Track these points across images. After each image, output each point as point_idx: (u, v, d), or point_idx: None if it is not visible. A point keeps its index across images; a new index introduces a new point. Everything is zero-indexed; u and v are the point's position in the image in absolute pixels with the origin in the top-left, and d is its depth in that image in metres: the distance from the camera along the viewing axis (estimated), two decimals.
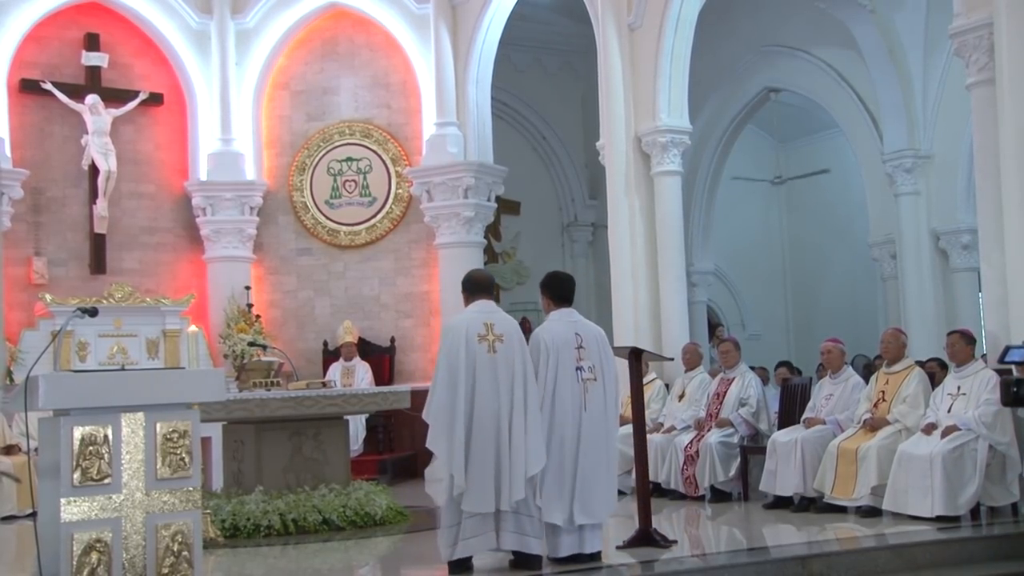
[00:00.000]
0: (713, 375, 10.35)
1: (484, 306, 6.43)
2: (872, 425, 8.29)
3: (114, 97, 13.01)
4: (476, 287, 6.53)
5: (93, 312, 5.61)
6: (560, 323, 6.56)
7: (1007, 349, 7.77)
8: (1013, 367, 7.85)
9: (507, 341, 6.25)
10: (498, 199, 14.05)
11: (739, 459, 9.34)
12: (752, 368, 10.48)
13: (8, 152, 12.26)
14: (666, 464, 9.64)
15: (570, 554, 6.34)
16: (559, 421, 6.29)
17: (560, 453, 6.26)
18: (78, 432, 4.89)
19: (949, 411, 7.93)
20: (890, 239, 14.68)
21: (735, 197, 18.10)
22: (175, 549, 5.03)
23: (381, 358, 13.29)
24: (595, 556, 6.40)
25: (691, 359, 10.41)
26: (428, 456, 13.04)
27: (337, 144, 13.72)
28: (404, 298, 13.59)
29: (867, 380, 8.87)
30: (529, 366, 6.24)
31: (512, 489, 6.04)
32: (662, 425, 10.06)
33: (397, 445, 13.15)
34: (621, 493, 9.60)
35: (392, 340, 13.45)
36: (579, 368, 6.40)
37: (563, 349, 6.42)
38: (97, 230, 12.83)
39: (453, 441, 6.05)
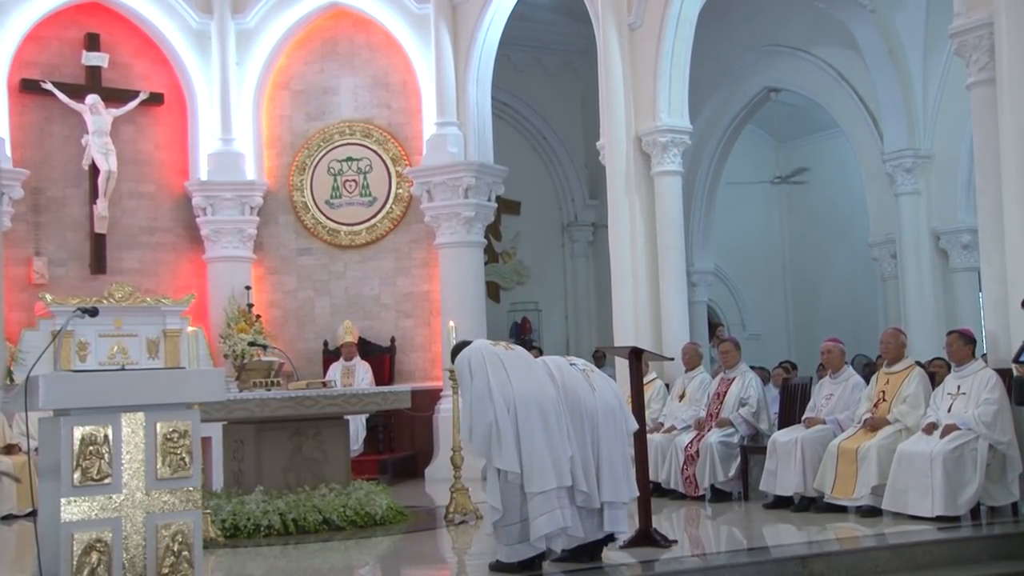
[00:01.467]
0: (714, 375, 10.35)
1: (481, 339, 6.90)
2: (872, 425, 8.29)
3: (114, 97, 13.00)
4: (463, 343, 6.75)
5: (93, 312, 5.61)
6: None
7: (1023, 348, 7.76)
8: (1015, 367, 7.85)
9: (518, 348, 6.64)
10: (498, 199, 14.05)
11: (739, 459, 9.35)
12: (753, 368, 10.48)
13: (8, 152, 12.26)
14: (666, 464, 9.64)
15: (604, 535, 6.42)
16: (574, 405, 6.43)
17: (582, 435, 6.38)
18: (78, 432, 4.89)
19: (949, 411, 7.93)
20: (890, 239, 14.68)
21: (735, 197, 18.10)
22: (175, 549, 5.03)
23: (381, 358, 13.29)
24: (611, 538, 6.49)
25: (691, 359, 10.40)
26: (428, 456, 13.06)
27: (337, 144, 13.72)
28: (404, 298, 13.59)
29: (867, 380, 8.87)
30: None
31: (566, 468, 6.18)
32: (662, 425, 10.07)
33: (397, 445, 13.15)
34: None
35: (392, 340, 13.45)
36: (573, 364, 6.69)
37: (549, 356, 6.82)
38: (97, 230, 12.83)
39: (504, 446, 6.12)
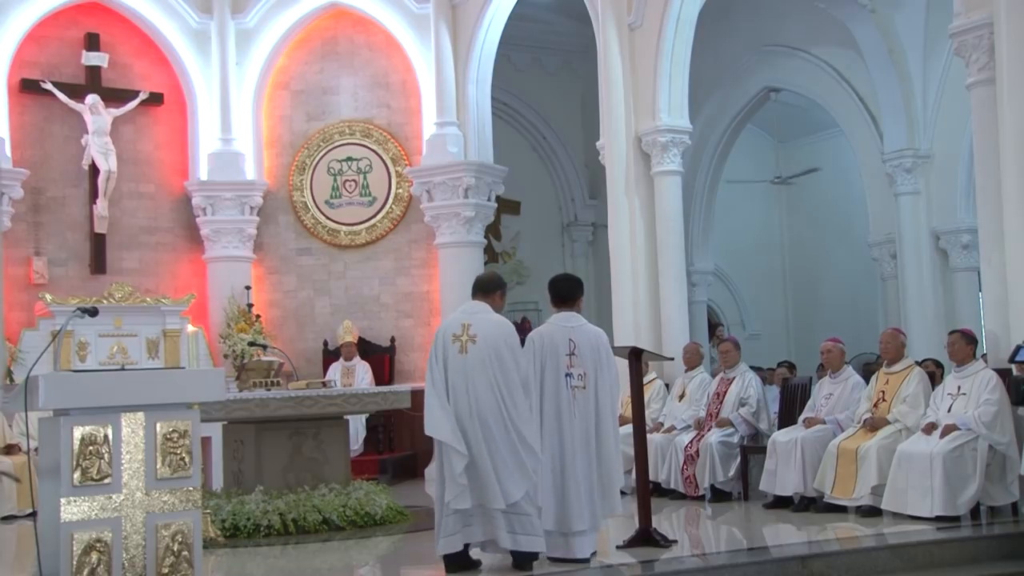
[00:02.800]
0: (713, 375, 10.35)
1: (469, 307, 6.53)
2: (872, 425, 8.29)
3: (114, 97, 13.01)
4: (473, 288, 6.65)
5: (93, 312, 5.61)
6: (554, 326, 6.64)
7: (1018, 348, 7.77)
8: (1014, 366, 7.86)
9: (480, 341, 6.25)
10: (498, 199, 14.05)
11: (739, 459, 9.35)
12: (756, 369, 10.47)
13: (8, 152, 12.26)
14: (666, 464, 9.64)
15: (561, 557, 6.37)
16: (546, 427, 6.38)
17: (548, 459, 6.34)
18: (78, 432, 4.89)
19: (949, 411, 7.93)
20: (890, 239, 14.68)
21: (735, 197, 18.10)
22: (175, 549, 5.03)
23: (381, 358, 13.29)
24: (585, 560, 6.41)
25: (692, 359, 10.41)
26: (428, 456, 13.06)
27: (337, 144, 13.72)
28: (404, 298, 13.59)
29: (867, 380, 8.87)
30: (510, 366, 6.22)
31: (504, 489, 6.09)
32: (662, 425, 10.07)
33: (397, 445, 13.15)
34: (621, 493, 9.67)
35: (392, 340, 13.45)
36: (568, 375, 6.45)
37: (551, 354, 6.49)
38: (97, 230, 12.83)
39: (436, 436, 6.23)
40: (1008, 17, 8.04)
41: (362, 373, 12.81)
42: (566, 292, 6.78)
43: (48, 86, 12.68)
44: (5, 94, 12.42)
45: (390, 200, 13.62)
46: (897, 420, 8.23)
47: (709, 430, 9.49)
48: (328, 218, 13.68)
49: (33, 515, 5.57)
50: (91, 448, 4.90)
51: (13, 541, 9.02)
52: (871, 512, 7.94)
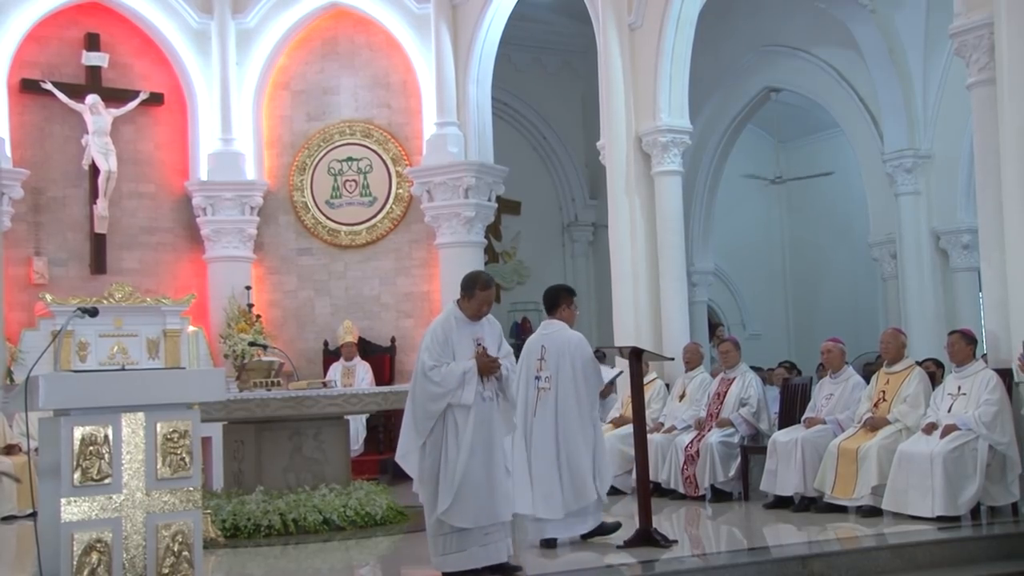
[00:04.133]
0: (714, 375, 10.35)
1: None
2: (872, 425, 8.29)
3: (114, 97, 13.01)
4: None
5: (93, 312, 5.62)
6: (537, 334, 7.42)
7: None
8: (1016, 366, 7.85)
9: None
10: (498, 199, 14.06)
11: (739, 459, 9.35)
12: (757, 369, 10.45)
13: (8, 152, 12.26)
14: (666, 464, 9.64)
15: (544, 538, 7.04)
16: (521, 425, 6.95)
17: (522, 452, 7.00)
18: (78, 432, 4.89)
19: (949, 411, 7.93)
20: (890, 239, 14.67)
21: (735, 197, 18.10)
22: (175, 549, 5.03)
23: (381, 358, 13.30)
24: (551, 543, 7.04)
25: (692, 359, 10.40)
26: None
27: (337, 144, 13.72)
28: (404, 298, 13.60)
29: (867, 380, 8.87)
30: (419, 363, 6.33)
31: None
32: (662, 425, 10.07)
33: (397, 445, 13.11)
34: (621, 493, 9.69)
35: (392, 340, 13.45)
36: (537, 377, 7.11)
37: (527, 359, 7.22)
38: (97, 230, 12.84)
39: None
40: (1008, 17, 8.03)
41: (362, 373, 12.81)
42: (549, 302, 7.42)
43: (48, 86, 12.69)
44: (5, 94, 12.43)
45: (390, 200, 13.62)
46: (897, 420, 8.23)
47: (709, 430, 9.49)
48: (328, 218, 13.68)
49: (33, 515, 5.57)
50: (91, 448, 4.90)
51: (13, 541, 9.02)
52: (871, 512, 7.94)
